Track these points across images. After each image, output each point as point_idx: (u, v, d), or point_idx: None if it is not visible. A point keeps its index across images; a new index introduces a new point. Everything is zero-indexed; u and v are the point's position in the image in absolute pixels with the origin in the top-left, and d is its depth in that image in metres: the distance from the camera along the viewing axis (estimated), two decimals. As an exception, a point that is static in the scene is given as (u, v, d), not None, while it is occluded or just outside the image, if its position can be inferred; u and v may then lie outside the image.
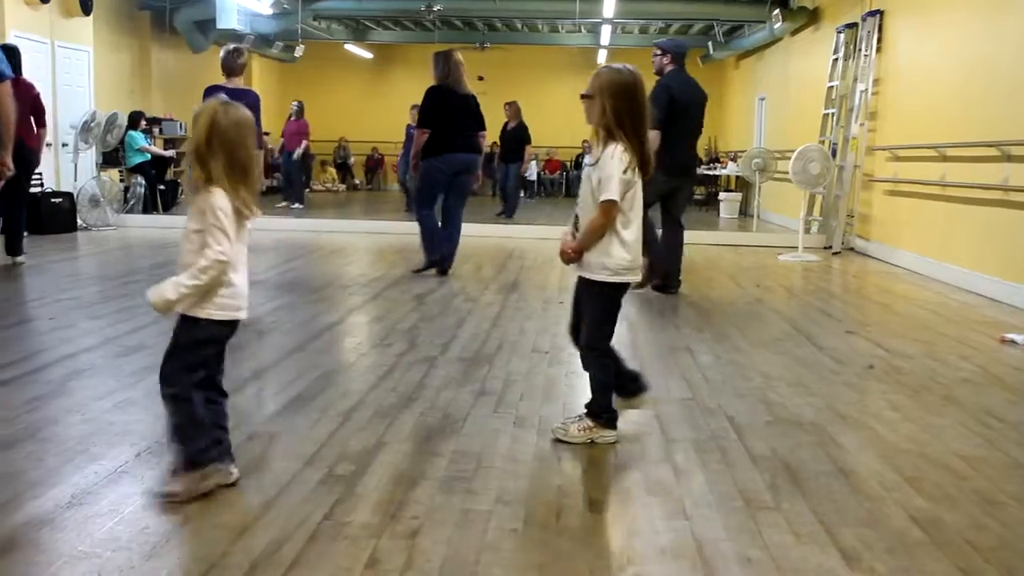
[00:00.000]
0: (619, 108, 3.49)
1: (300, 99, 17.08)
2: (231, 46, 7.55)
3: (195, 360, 2.99)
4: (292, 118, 16.60)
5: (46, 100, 11.81)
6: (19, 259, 8.28)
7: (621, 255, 3.56)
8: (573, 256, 3.62)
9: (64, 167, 12.23)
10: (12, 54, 7.97)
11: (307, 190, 18.24)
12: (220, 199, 2.89)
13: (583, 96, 3.58)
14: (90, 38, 13.03)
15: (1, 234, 8.52)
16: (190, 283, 2.86)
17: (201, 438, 2.97)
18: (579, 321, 3.78)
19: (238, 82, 7.41)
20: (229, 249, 2.89)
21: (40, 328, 5.65)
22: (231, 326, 3.03)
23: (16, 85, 7.56)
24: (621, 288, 3.67)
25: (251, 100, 7.30)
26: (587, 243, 3.58)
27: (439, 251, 8.12)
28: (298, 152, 16.21)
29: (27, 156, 7.98)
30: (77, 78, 12.81)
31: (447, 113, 7.90)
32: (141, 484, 3.07)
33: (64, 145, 12.21)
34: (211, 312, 2.95)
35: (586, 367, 3.74)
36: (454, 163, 7.97)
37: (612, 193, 3.47)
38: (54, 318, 5.86)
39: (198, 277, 2.87)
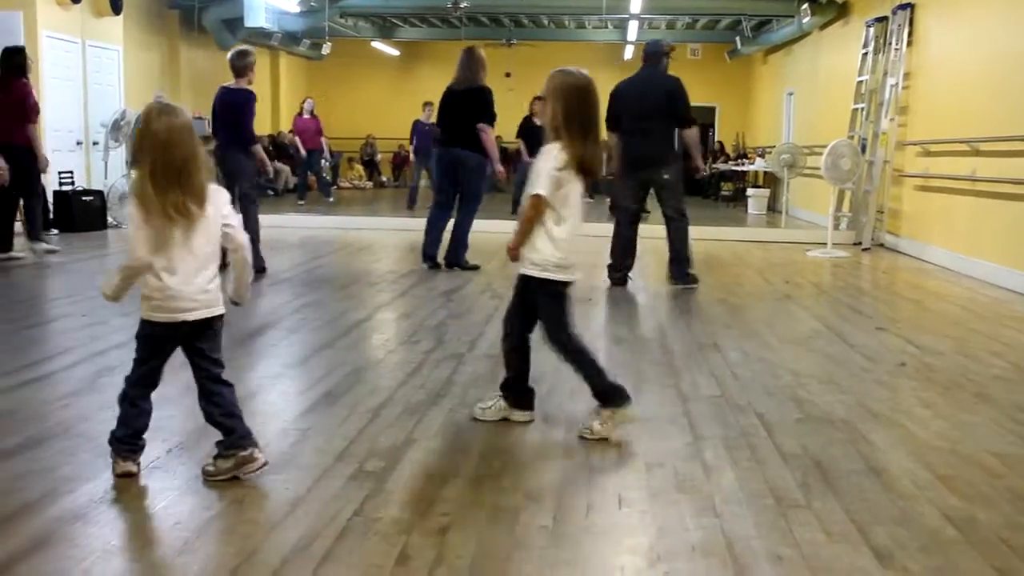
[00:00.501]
0: (567, 110, 3.56)
1: (328, 96, 17.13)
2: (237, 48, 7.77)
3: (138, 355, 3.20)
4: (306, 115, 16.57)
5: (78, 99, 12.01)
6: (40, 245, 8.48)
7: (549, 251, 3.62)
8: (511, 251, 3.72)
9: (95, 165, 12.33)
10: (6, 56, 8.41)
11: (334, 187, 18.34)
12: (131, 207, 3.04)
13: (536, 98, 3.63)
14: (120, 37, 13.13)
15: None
16: (108, 278, 3.14)
17: (120, 426, 3.13)
18: (514, 314, 3.87)
19: (242, 82, 7.68)
20: (137, 255, 3.02)
21: (72, 325, 5.70)
22: (168, 327, 3.09)
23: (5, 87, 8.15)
24: (549, 284, 3.68)
25: (239, 98, 7.72)
26: (518, 238, 3.66)
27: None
28: (326, 151, 16.40)
29: (13, 155, 8.31)
30: (107, 77, 12.91)
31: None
32: (173, 479, 3.09)
33: (95, 143, 12.31)
34: (146, 313, 3.12)
35: (567, 362, 3.81)
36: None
37: (539, 187, 3.56)
38: (86, 315, 5.91)
39: (113, 275, 3.12)
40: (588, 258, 8.20)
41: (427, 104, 14.61)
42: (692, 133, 7.70)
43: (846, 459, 3.45)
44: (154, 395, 4.09)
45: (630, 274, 7.74)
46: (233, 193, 6.69)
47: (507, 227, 4.35)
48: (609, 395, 3.68)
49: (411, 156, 16.63)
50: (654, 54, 7.76)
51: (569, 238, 3.64)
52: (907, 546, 2.69)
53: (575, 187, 3.61)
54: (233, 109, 7.78)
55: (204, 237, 3.05)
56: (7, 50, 8.57)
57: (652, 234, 11.91)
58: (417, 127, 15.40)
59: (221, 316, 3.17)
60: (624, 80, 7.70)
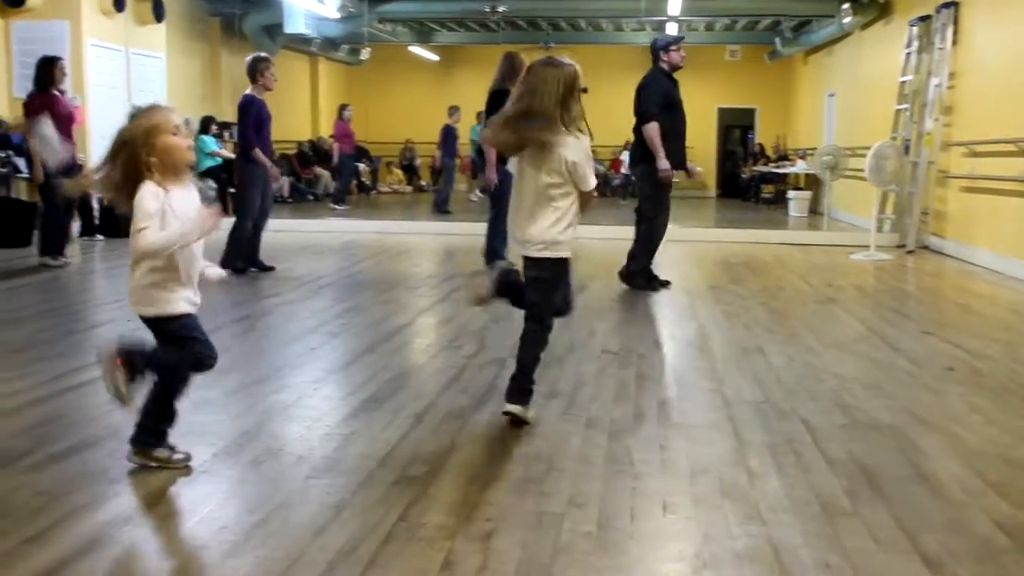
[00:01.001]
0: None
1: (366, 102, 17.25)
2: (252, 55, 7.90)
3: None
4: (346, 120, 16.67)
5: (122, 106, 12.16)
6: (49, 260, 8.50)
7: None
8: None
9: (139, 172, 12.47)
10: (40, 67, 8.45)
11: (370, 192, 18.41)
12: None
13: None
14: (163, 44, 13.29)
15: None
16: None
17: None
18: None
19: (255, 88, 7.92)
20: None
21: (119, 330, 5.76)
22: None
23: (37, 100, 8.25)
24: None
25: (240, 104, 8.06)
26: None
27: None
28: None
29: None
30: (150, 84, 13.07)
31: None
32: (219, 484, 3.12)
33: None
34: None
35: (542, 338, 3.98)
36: None
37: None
38: (132, 320, 5.97)
39: None
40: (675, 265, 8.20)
41: (455, 108, 14.87)
42: (649, 127, 7.18)
43: (893, 465, 3.40)
44: (198, 399, 4.15)
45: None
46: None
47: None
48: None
49: (439, 161, 16.78)
50: (651, 51, 7.56)
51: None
52: (958, 554, 2.65)
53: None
54: (238, 115, 7.94)
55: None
56: (37, 61, 8.59)
57: (687, 237, 11.87)
58: (453, 132, 15.57)
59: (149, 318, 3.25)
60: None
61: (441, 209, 14.87)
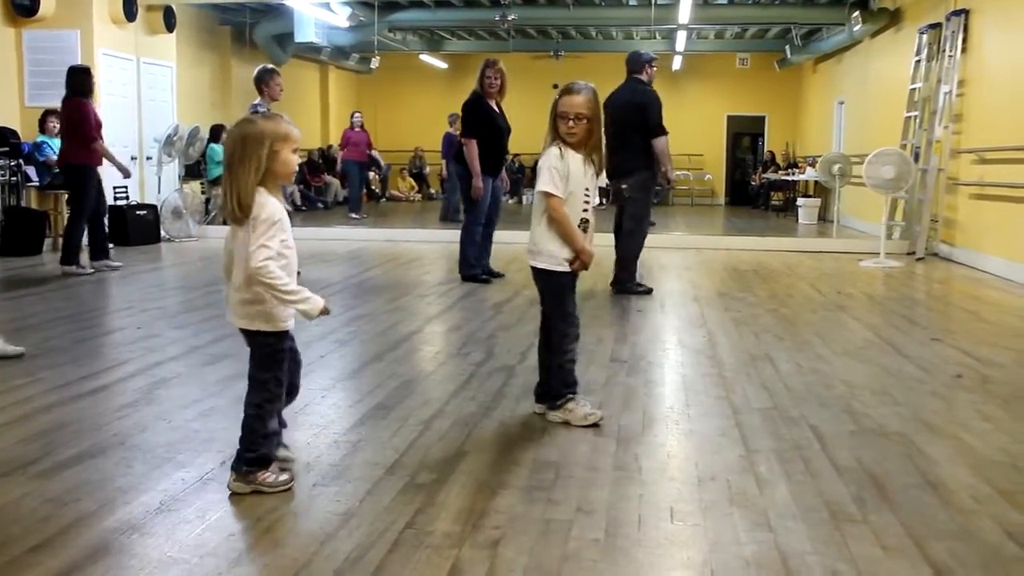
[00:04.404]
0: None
1: (376, 110, 17.27)
2: (259, 67, 8.01)
3: None
4: (356, 128, 16.66)
5: (133, 115, 12.23)
6: (71, 268, 8.56)
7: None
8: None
9: (148, 180, 12.55)
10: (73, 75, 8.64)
11: (380, 200, 18.40)
12: None
13: (581, 117, 3.84)
14: (173, 54, 13.36)
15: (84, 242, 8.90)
16: None
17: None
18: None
19: (261, 99, 7.93)
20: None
21: (128, 337, 5.79)
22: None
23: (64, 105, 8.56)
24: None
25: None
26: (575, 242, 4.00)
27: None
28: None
29: (71, 175, 8.72)
30: (161, 93, 13.13)
31: None
32: (226, 491, 3.12)
33: (148, 158, 12.53)
34: None
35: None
36: None
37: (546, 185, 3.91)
38: (141, 327, 6.00)
39: None
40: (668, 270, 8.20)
41: (456, 116, 14.73)
42: (660, 142, 7.58)
43: (902, 472, 3.39)
44: (206, 407, 4.16)
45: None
46: None
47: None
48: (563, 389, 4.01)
49: (445, 170, 16.77)
50: (634, 65, 7.84)
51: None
52: (967, 562, 2.64)
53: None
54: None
55: (242, 247, 3.03)
56: (68, 70, 8.73)
57: (696, 245, 11.86)
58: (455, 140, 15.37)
59: (247, 332, 3.14)
60: (612, 91, 7.70)
61: (451, 218, 14.71)
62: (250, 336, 3.13)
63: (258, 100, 7.98)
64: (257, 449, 3.13)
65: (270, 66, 8.28)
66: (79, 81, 8.59)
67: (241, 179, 2.97)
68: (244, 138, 3.01)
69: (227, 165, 3.03)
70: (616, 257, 7.85)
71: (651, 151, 7.58)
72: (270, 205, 3.00)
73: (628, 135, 7.51)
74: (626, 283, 7.75)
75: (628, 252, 7.81)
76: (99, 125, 8.69)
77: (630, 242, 7.80)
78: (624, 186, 7.60)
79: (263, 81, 7.93)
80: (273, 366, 3.14)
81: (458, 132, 15.49)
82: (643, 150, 7.57)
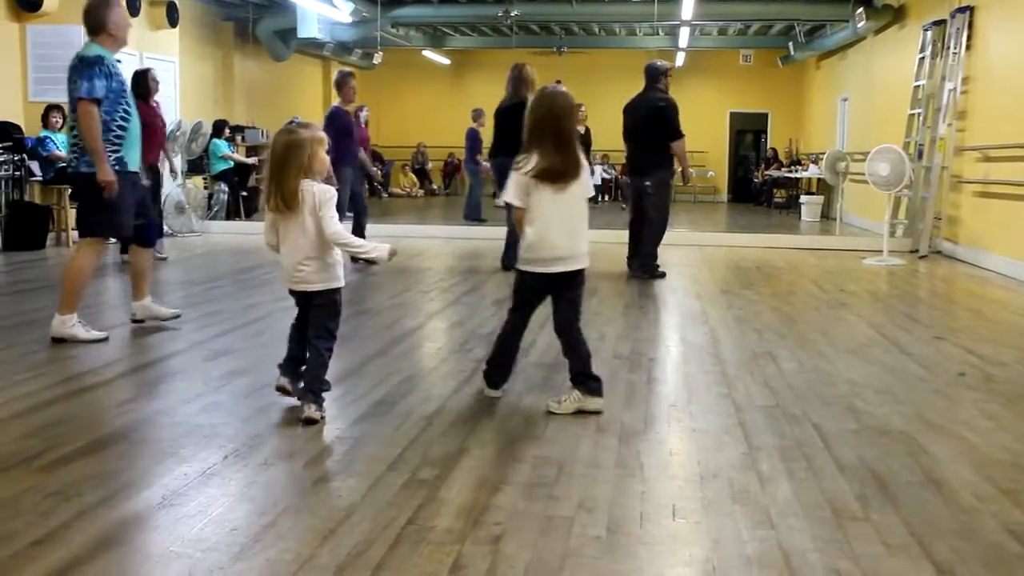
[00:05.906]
0: (536, 123, 4.11)
1: (379, 106, 17.25)
2: (339, 70, 8.93)
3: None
4: (362, 124, 16.56)
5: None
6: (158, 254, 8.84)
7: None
8: None
9: (152, 175, 12.52)
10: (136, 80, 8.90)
11: (382, 196, 18.38)
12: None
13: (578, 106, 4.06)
14: (176, 49, 13.34)
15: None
16: None
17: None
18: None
19: (341, 101, 9.14)
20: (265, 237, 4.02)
21: (130, 332, 5.79)
22: (291, 292, 4.06)
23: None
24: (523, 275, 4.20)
25: (326, 115, 9.09)
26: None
27: None
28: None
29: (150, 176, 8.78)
30: (163, 88, 13.04)
31: None
32: (228, 486, 3.12)
33: (151, 154, 12.50)
34: None
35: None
36: None
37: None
38: (144, 322, 6.00)
39: None
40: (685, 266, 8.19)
41: (480, 111, 14.44)
42: (678, 145, 8.52)
43: (904, 471, 3.39)
44: (208, 402, 4.16)
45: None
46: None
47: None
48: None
49: (463, 166, 16.59)
50: (651, 75, 8.70)
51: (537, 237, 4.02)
52: (969, 560, 2.64)
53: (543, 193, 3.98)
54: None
55: (299, 229, 3.83)
56: (133, 75, 8.77)
57: (699, 242, 11.85)
58: (478, 135, 14.96)
59: (320, 292, 3.95)
60: (632, 98, 8.80)
61: (474, 216, 14.30)
62: (321, 295, 3.94)
63: (337, 102, 8.86)
64: (326, 381, 4.02)
65: (348, 70, 9.02)
66: (138, 85, 8.80)
67: (287, 180, 3.75)
68: (288, 146, 3.74)
69: (274, 168, 3.77)
70: (637, 244, 8.71)
71: (668, 152, 8.51)
72: (322, 188, 3.82)
73: (648, 139, 8.48)
74: (651, 264, 8.54)
75: (653, 236, 8.64)
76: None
77: (653, 229, 8.63)
78: (647, 183, 8.49)
79: (340, 85, 8.80)
80: (337, 315, 4.01)
81: (481, 127, 15.41)
82: (662, 152, 8.49)
